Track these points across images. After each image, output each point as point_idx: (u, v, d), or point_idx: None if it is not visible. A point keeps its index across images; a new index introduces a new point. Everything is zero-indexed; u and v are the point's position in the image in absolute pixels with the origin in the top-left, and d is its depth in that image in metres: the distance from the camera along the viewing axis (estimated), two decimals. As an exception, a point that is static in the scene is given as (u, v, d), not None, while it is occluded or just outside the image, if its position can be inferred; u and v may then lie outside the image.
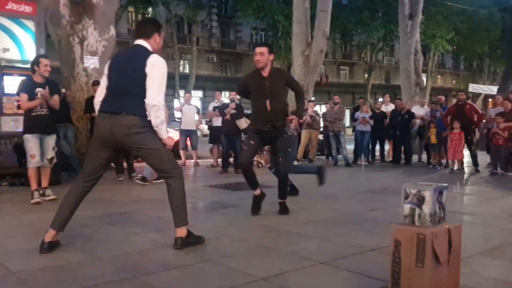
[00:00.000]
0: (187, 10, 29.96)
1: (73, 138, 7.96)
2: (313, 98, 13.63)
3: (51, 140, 5.62)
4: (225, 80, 33.65)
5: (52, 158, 5.66)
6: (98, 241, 3.74)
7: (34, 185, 5.49)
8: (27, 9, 7.45)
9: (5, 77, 7.09)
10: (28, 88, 5.46)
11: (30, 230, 4.20)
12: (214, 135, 10.29)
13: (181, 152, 10.78)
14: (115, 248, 3.53)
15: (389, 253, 2.39)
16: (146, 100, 3.36)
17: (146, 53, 3.47)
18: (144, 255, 3.38)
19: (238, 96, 8.37)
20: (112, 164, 8.19)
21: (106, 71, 3.57)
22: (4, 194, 5.80)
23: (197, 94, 32.00)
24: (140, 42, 3.56)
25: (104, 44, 9.48)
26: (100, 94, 3.56)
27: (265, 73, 4.63)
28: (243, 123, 8.98)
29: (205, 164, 10.67)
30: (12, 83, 6.66)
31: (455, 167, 9.72)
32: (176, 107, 14.06)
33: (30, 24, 7.49)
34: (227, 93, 13.68)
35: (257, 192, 4.92)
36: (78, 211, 3.57)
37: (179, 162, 10.36)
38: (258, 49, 4.56)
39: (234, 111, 9.09)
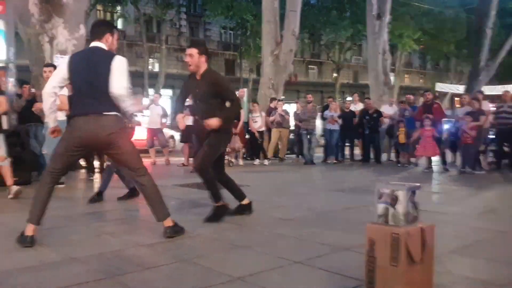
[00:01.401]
0: (156, 9, 29.61)
1: (43, 137, 7.78)
2: (282, 97, 13.74)
3: None
4: (195, 79, 33.39)
5: (2, 157, 5.64)
6: (72, 241, 3.70)
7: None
8: (-4, 7, 7.26)
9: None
10: None
11: (3, 229, 4.12)
12: (186, 134, 10.25)
13: (150, 151, 10.77)
14: (89, 248, 3.50)
15: (363, 252, 2.45)
16: (113, 91, 3.46)
17: (109, 55, 3.59)
18: (118, 255, 3.36)
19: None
20: (84, 163, 8.07)
21: (66, 73, 3.58)
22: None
23: (166, 93, 31.66)
24: (96, 44, 3.67)
25: (74, 43, 9.31)
26: (53, 86, 3.57)
27: (198, 76, 4.38)
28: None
29: (175, 163, 10.62)
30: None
31: (422, 165, 9.96)
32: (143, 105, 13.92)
33: (0, 23, 7.29)
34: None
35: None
36: (50, 211, 3.59)
37: (150, 161, 10.29)
38: (188, 51, 4.31)
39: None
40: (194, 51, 4.24)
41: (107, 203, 5.60)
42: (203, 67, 4.29)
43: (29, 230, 3.49)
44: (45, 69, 6.32)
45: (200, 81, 4.35)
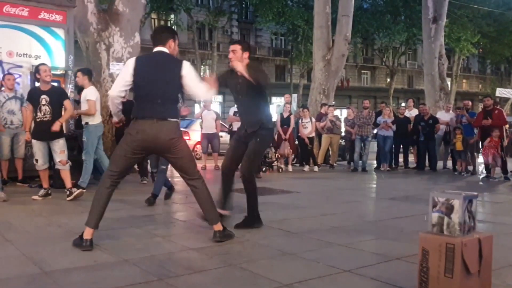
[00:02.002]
0: (208, 16, 30.19)
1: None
2: (333, 103, 13.59)
3: (56, 144, 5.83)
4: (245, 85, 33.73)
5: (64, 161, 5.88)
6: (125, 243, 3.80)
7: (44, 184, 5.98)
8: (58, 18, 7.66)
9: (37, 83, 7.31)
10: (31, 96, 5.90)
11: (59, 231, 4.30)
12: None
13: (203, 156, 10.96)
14: (141, 250, 3.59)
15: (415, 262, 2.37)
16: (198, 97, 3.67)
17: (176, 60, 3.68)
18: (169, 257, 3.43)
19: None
20: (136, 167, 8.32)
21: (131, 77, 3.63)
22: (34, 195, 5.96)
23: (217, 99, 32.17)
24: (161, 49, 3.71)
25: (129, 51, 9.65)
26: (119, 90, 3.66)
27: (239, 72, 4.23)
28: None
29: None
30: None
31: (483, 173, 9.54)
32: (196, 113, 14.19)
33: (60, 32, 7.70)
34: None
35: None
36: (105, 213, 3.66)
37: (201, 165, 10.46)
38: (232, 47, 4.29)
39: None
40: (237, 47, 4.26)
41: (159, 206, 5.75)
42: (245, 62, 4.24)
43: (88, 233, 3.54)
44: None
45: (241, 75, 4.22)
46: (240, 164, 4.39)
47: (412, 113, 12.15)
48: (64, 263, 3.24)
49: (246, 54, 4.27)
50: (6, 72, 7.09)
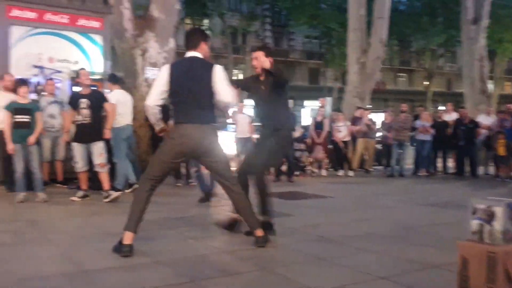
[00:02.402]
0: (241, 21, 30.40)
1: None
2: (369, 106, 13.39)
3: (95, 147, 5.97)
4: (278, 89, 33.76)
5: (103, 163, 6.00)
6: (158, 244, 3.85)
7: (82, 186, 6.12)
8: (96, 24, 7.90)
9: (74, 88, 7.54)
10: (71, 100, 6.11)
11: (96, 231, 4.41)
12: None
13: (235, 160, 10.94)
14: (174, 252, 3.63)
15: (454, 271, 2.30)
16: (222, 100, 3.65)
17: (209, 65, 3.71)
18: (202, 260, 3.45)
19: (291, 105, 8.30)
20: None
21: (166, 84, 3.64)
22: (73, 196, 6.13)
23: (250, 102, 32.33)
24: (193, 53, 3.75)
25: (164, 56, 9.82)
26: (156, 99, 3.66)
27: (262, 77, 4.33)
28: (296, 131, 8.97)
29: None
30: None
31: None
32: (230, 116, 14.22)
33: (98, 38, 7.94)
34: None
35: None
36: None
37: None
38: (254, 54, 4.32)
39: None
40: (260, 53, 4.26)
41: (193, 208, 5.81)
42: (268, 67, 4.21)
43: (128, 238, 3.50)
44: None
45: (264, 79, 4.29)
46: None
47: (451, 116, 11.81)
48: (100, 263, 3.31)
49: (270, 59, 4.24)
50: (47, 78, 7.33)
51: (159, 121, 3.75)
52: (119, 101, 6.61)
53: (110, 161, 6.56)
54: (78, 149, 6.00)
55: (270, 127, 4.33)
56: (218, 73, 3.68)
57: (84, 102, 5.92)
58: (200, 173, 6.11)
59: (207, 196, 6.17)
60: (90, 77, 6.35)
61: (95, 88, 6.70)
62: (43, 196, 5.95)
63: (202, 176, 6.12)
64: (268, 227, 4.13)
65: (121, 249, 3.49)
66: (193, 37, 3.81)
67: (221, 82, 3.67)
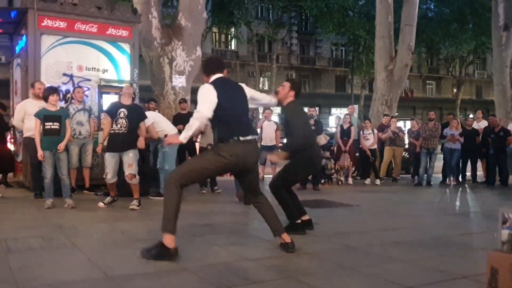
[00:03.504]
0: (268, 29, 30.52)
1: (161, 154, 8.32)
2: (396, 114, 13.21)
3: (126, 157, 5.91)
4: (304, 96, 33.60)
5: (132, 175, 5.94)
6: (184, 251, 3.85)
7: (111, 193, 6.18)
8: (124, 33, 8.05)
9: (104, 96, 7.74)
10: (110, 109, 6.15)
11: (122, 237, 4.46)
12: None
13: (260, 168, 10.87)
14: (200, 259, 3.64)
15: (483, 282, 2.23)
16: (270, 102, 4.53)
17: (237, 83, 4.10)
18: (227, 267, 3.45)
19: (317, 112, 8.34)
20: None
21: (216, 99, 3.72)
22: (100, 202, 6.22)
23: (276, 110, 32.32)
24: (222, 75, 3.98)
25: (191, 64, 9.95)
26: (209, 111, 3.73)
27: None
28: (322, 139, 8.91)
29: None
30: (109, 101, 7.16)
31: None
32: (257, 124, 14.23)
33: (126, 47, 8.09)
34: (305, 109, 13.61)
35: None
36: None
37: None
38: (284, 83, 4.84)
39: (313, 127, 9.03)
40: (287, 84, 4.79)
41: (218, 215, 5.83)
42: (289, 100, 4.73)
43: (170, 242, 3.57)
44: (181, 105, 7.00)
45: (283, 110, 5.04)
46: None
47: (481, 124, 11.54)
48: (126, 269, 3.35)
49: (292, 93, 4.71)
50: (76, 86, 7.51)
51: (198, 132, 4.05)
52: (156, 120, 6.94)
53: (144, 171, 6.72)
54: (109, 159, 5.95)
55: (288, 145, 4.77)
56: (248, 88, 4.05)
57: (123, 112, 5.93)
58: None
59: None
60: (118, 85, 6.45)
61: (137, 103, 6.96)
62: (71, 202, 6.04)
63: None
64: (308, 224, 4.75)
65: (167, 254, 3.54)
66: (220, 64, 4.04)
67: (253, 91, 4.08)
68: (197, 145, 8.37)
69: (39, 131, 5.99)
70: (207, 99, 3.75)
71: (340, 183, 10.05)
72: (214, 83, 3.85)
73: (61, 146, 5.99)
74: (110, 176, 5.96)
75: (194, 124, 3.73)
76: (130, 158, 5.93)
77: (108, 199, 6.18)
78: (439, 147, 11.35)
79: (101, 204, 6.13)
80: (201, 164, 3.81)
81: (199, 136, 7.89)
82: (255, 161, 3.91)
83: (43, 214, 5.61)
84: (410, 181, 10.89)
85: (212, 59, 4.19)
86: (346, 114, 10.96)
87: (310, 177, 9.38)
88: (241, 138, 3.73)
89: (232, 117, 3.78)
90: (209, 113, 3.73)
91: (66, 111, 6.53)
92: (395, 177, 11.16)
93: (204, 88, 3.78)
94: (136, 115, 6.05)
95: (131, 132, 5.96)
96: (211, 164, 3.75)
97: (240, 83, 4.09)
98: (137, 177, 6.03)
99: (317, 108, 11.95)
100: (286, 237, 3.91)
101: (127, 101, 6.04)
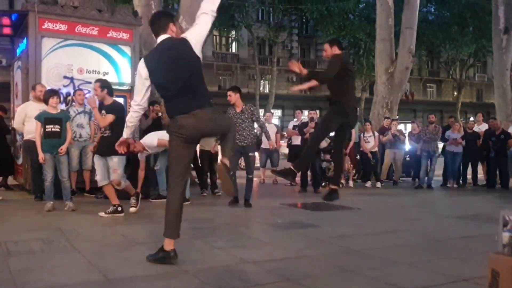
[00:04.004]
0: (268, 32, 30.56)
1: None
2: (397, 117, 13.21)
3: (111, 162, 5.63)
4: (304, 99, 33.66)
5: (116, 181, 5.69)
6: (184, 254, 3.84)
7: (112, 201, 5.79)
8: (125, 36, 8.05)
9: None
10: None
11: (122, 239, 4.46)
12: (293, 153, 10.26)
13: (261, 170, 10.92)
14: (200, 262, 3.63)
15: (484, 284, 2.22)
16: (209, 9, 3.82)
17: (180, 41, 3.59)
18: (227, 270, 3.44)
19: (317, 115, 8.37)
20: (196, 180, 8.49)
21: (148, 77, 3.54)
22: (100, 206, 6.20)
23: (276, 113, 32.30)
24: (164, 36, 3.59)
25: (191, 66, 9.91)
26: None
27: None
28: (323, 142, 8.89)
29: (283, 181, 10.65)
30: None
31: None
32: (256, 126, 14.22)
33: (127, 50, 8.09)
34: (306, 112, 13.62)
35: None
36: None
37: (259, 179, 10.48)
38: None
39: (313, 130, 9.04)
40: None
41: (219, 218, 5.82)
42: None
43: (169, 244, 3.53)
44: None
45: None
46: None
47: (482, 127, 11.53)
48: (127, 271, 3.34)
49: (335, 48, 4.76)
50: (76, 88, 7.52)
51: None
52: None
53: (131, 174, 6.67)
54: (96, 162, 5.79)
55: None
56: (190, 36, 3.60)
57: (103, 114, 5.72)
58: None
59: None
60: (119, 87, 6.31)
61: (121, 99, 6.75)
62: (71, 205, 6.03)
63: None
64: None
65: (167, 256, 3.50)
66: (159, 22, 3.64)
67: (194, 30, 3.62)
68: (198, 147, 8.35)
69: (40, 134, 5.99)
70: (138, 82, 3.54)
71: (340, 186, 9.99)
72: (147, 55, 3.60)
73: (63, 148, 5.98)
74: (99, 178, 5.73)
75: (128, 117, 3.65)
76: (115, 163, 5.64)
77: (110, 208, 5.80)
78: (440, 149, 11.34)
79: (102, 214, 5.75)
80: (171, 154, 3.62)
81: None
82: (212, 127, 3.56)
83: (43, 217, 5.60)
84: (411, 184, 10.88)
85: (152, 17, 3.76)
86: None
87: (310, 180, 9.39)
88: (178, 118, 3.42)
89: (167, 94, 3.51)
90: (141, 100, 3.52)
91: (67, 114, 6.53)
92: (396, 180, 11.16)
93: (138, 66, 3.56)
94: (112, 113, 5.67)
95: (115, 135, 5.25)
96: (173, 148, 3.54)
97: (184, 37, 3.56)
98: (123, 182, 5.84)
99: (317, 111, 11.94)
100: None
101: (108, 101, 5.74)
